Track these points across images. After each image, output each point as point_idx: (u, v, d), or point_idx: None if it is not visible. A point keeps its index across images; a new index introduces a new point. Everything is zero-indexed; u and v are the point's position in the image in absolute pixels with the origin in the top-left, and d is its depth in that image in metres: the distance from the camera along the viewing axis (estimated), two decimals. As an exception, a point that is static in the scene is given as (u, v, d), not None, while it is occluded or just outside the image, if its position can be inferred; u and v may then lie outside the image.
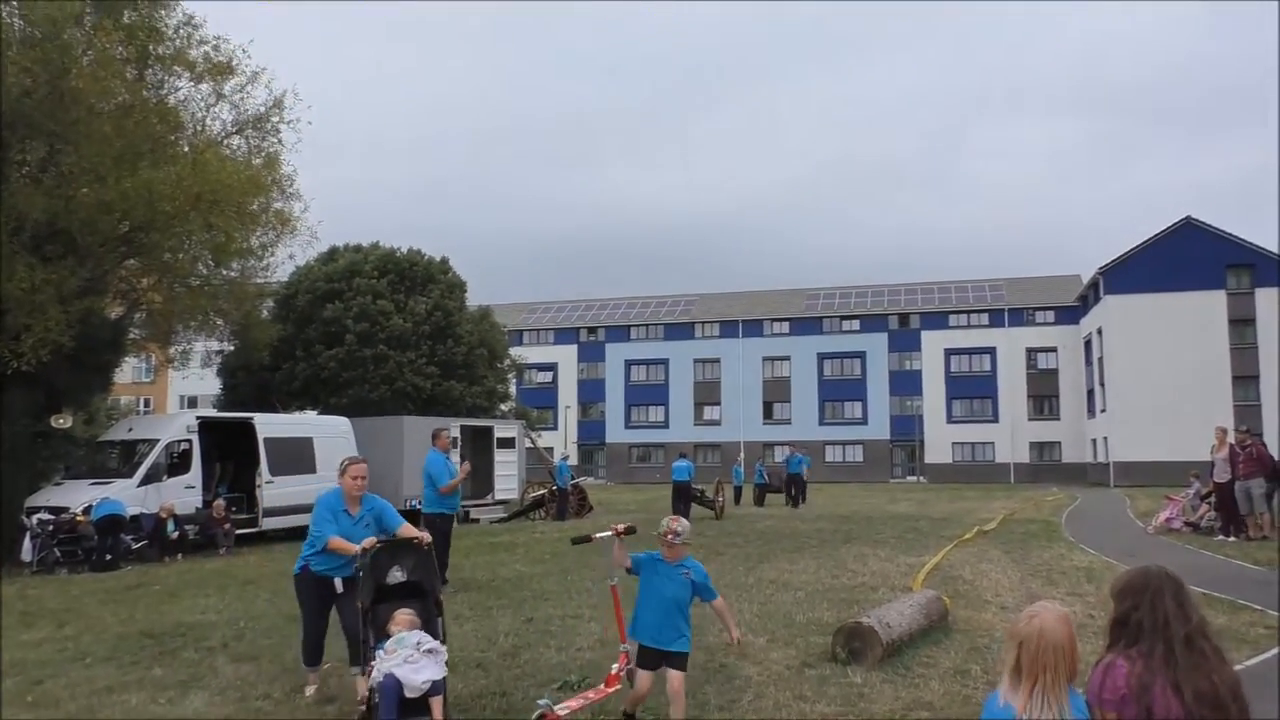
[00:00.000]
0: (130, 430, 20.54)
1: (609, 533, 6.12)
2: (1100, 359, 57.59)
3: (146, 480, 18.49)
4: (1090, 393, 61.28)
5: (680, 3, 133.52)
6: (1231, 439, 17.51)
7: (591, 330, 74.85)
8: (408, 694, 5.45)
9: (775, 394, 70.22)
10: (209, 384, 39.46)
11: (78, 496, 17.59)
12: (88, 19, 19.37)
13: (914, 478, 64.91)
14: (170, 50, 20.83)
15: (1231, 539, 16.55)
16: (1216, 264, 54.12)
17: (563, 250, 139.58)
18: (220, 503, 19.34)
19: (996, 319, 66.62)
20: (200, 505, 19.32)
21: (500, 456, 27.93)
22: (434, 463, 12.22)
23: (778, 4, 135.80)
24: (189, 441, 19.62)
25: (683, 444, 57.57)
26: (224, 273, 23.57)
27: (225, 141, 22.41)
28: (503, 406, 39.03)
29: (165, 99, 21.07)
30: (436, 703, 5.52)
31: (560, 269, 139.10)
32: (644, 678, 5.53)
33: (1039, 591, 11.15)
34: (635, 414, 72.95)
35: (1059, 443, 64.63)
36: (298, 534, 20.38)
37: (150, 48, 20.31)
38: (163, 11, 20.69)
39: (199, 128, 22.02)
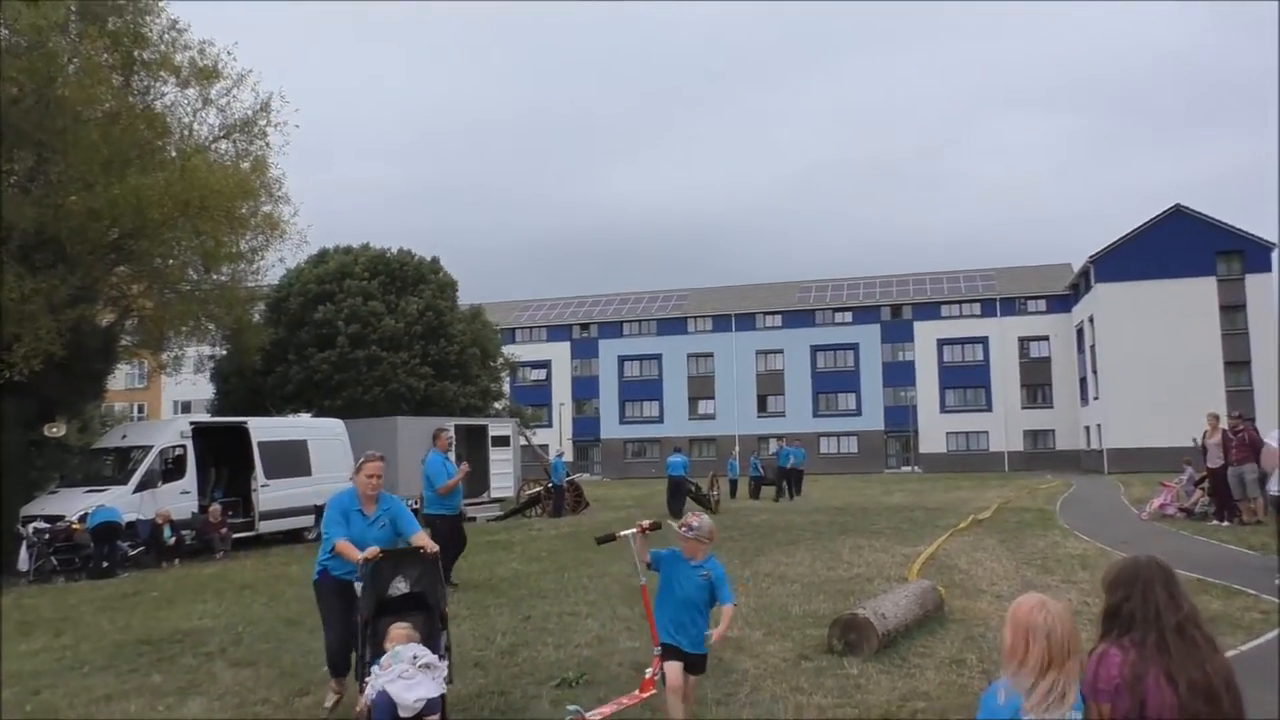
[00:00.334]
0: (124, 437, 20.49)
1: (634, 530, 5.80)
2: (1092, 347, 57.77)
3: (142, 487, 18.45)
4: (1083, 380, 61.47)
5: (674, 1, 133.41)
6: (1224, 424, 17.58)
7: (584, 327, 74.85)
8: (401, 714, 5.10)
9: (769, 387, 70.33)
10: (202, 389, 39.36)
11: (73, 504, 17.54)
12: (72, 26, 19.30)
13: (909, 468, 65.05)
14: (156, 56, 20.78)
15: (1225, 524, 16.61)
16: (1206, 251, 54.31)
17: (553, 249, 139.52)
18: (216, 507, 19.32)
19: (989, 308, 66.76)
20: (196, 510, 19.29)
21: (495, 455, 27.93)
22: (432, 464, 12.22)
23: (771, 2, 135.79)
24: (183, 447, 19.58)
25: (677, 439, 57.59)
26: (214, 278, 23.56)
27: (213, 146, 22.38)
28: (497, 405, 39.03)
29: (152, 105, 21.02)
30: None
31: (551, 268, 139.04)
32: (672, 670, 5.32)
33: (1034, 580, 11.20)
34: (630, 410, 73.00)
35: (1053, 430, 64.83)
36: (294, 538, 20.55)
37: (136, 54, 20.26)
38: (147, 17, 20.63)
39: (186, 133, 21.99)
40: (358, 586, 6.01)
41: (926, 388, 67.09)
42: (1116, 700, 2.74)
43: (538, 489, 27.12)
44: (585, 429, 73.16)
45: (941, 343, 67.15)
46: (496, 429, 28.43)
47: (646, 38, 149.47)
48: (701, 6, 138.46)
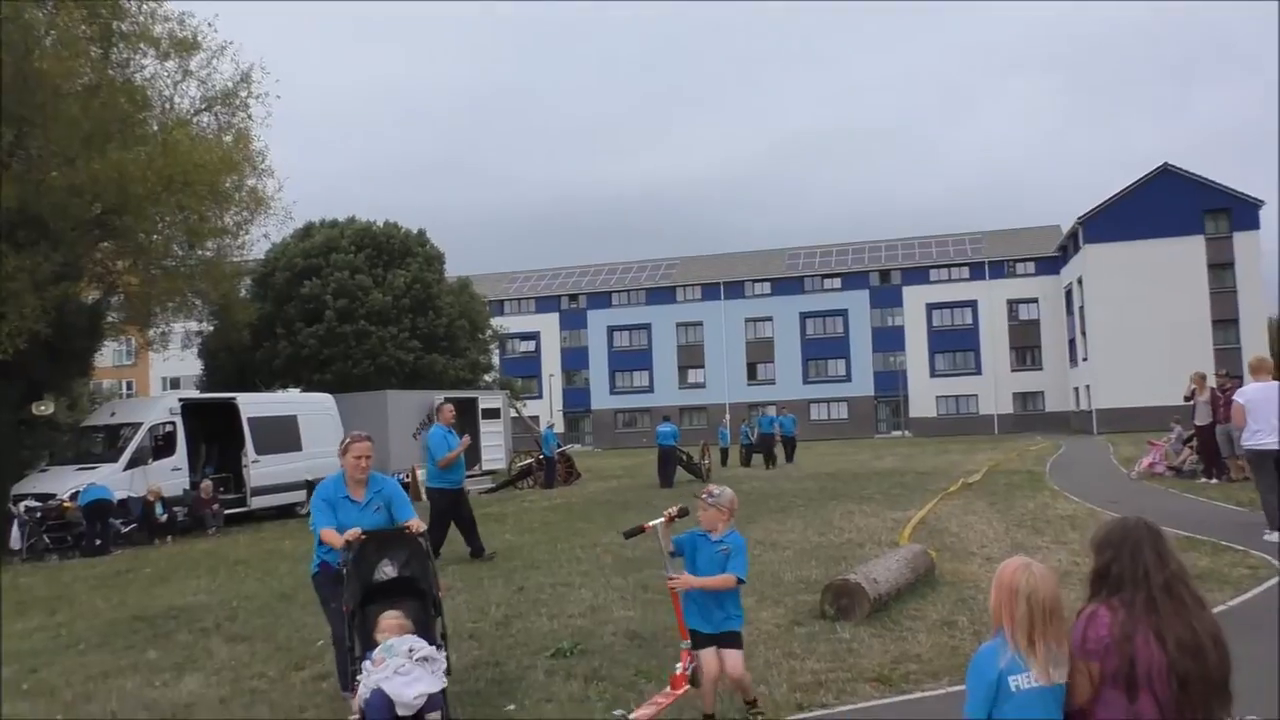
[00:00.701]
0: (113, 415, 20.42)
1: (661, 519, 5.44)
2: (1081, 308, 57.93)
3: (132, 464, 18.42)
4: (1072, 342, 61.69)
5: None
6: (1212, 382, 17.66)
7: (573, 298, 74.67)
8: (400, 711, 4.66)
9: (759, 355, 70.40)
10: (190, 365, 39.21)
11: (64, 483, 17.51)
12: (48, -2, 19.02)
13: (899, 433, 65.34)
14: (134, 27, 20.51)
15: (1214, 482, 16.72)
16: (1194, 210, 54.41)
17: (541, 221, 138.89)
18: (207, 484, 19.30)
19: (977, 272, 66.81)
20: (187, 487, 19.28)
21: (486, 427, 27.97)
22: (434, 436, 12.26)
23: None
24: (173, 424, 19.53)
25: (668, 408, 57.74)
26: (199, 253, 23.38)
27: (194, 119, 22.14)
28: (486, 377, 39.01)
29: (131, 78, 20.78)
30: None
31: (539, 240, 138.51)
32: (706, 659, 5.07)
33: (1024, 542, 11.27)
34: (620, 380, 73.03)
35: (1042, 392, 65.13)
36: (286, 513, 20.56)
37: (114, 25, 19.98)
38: (124, -13, 20.34)
39: (167, 106, 21.75)
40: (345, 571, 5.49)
41: (916, 352, 67.25)
42: (1105, 659, 2.76)
43: (529, 461, 27.15)
44: (575, 400, 73.20)
45: (930, 307, 67.23)
46: (487, 401, 28.45)
47: (632, 10, 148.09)
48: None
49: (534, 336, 73.59)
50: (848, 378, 68.47)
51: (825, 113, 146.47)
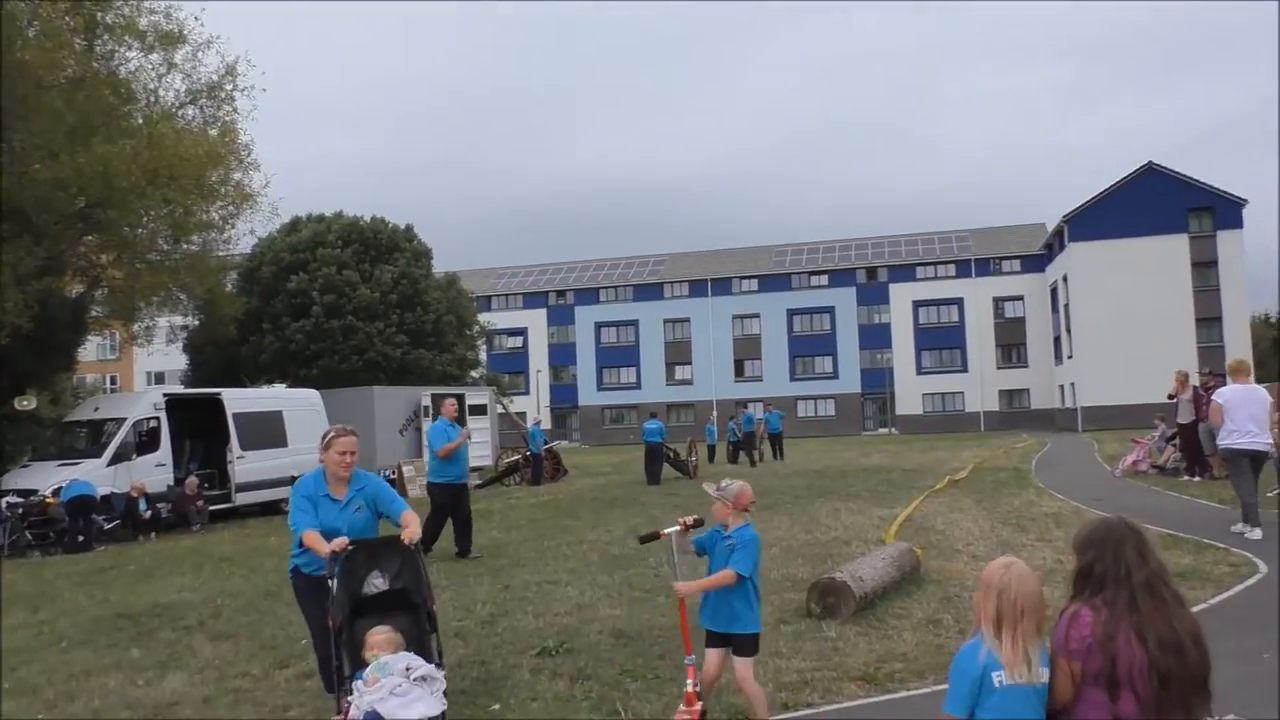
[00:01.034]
0: (96, 410, 20.27)
1: (676, 527, 5.21)
2: (1066, 306, 58.18)
3: (116, 460, 18.29)
4: (1057, 339, 61.96)
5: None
6: (1195, 381, 17.77)
7: (560, 294, 74.54)
8: None
9: (746, 351, 70.46)
10: (175, 360, 39.00)
11: (46, 478, 17.39)
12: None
13: (886, 430, 65.50)
14: (119, 19, 20.36)
15: (1196, 479, 16.83)
16: (1178, 208, 54.68)
17: (528, 218, 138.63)
18: (192, 480, 19.19)
19: (963, 269, 67.00)
20: (172, 483, 19.17)
21: (472, 423, 27.81)
22: (434, 430, 12.28)
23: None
24: (157, 419, 19.40)
25: (655, 405, 57.73)
26: (185, 247, 23.25)
27: (179, 112, 22.01)
28: (473, 373, 38.92)
29: (116, 70, 20.64)
30: None
31: (526, 237, 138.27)
32: (709, 658, 4.96)
33: (1009, 539, 11.32)
34: (607, 376, 72.98)
35: (1028, 390, 65.40)
36: (272, 509, 20.47)
37: (98, 16, 19.84)
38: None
39: (152, 99, 21.61)
40: (333, 584, 5.07)
41: (903, 349, 67.42)
42: (1087, 659, 2.78)
43: (516, 457, 27.11)
44: (563, 396, 73.11)
45: (917, 304, 67.41)
46: (473, 397, 28.35)
47: (619, 5, 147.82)
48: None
49: (521, 332, 73.45)
50: (834, 375, 68.59)
51: (816, 110, 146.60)
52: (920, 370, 67.16)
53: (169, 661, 7.39)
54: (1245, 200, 54.91)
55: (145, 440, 19.15)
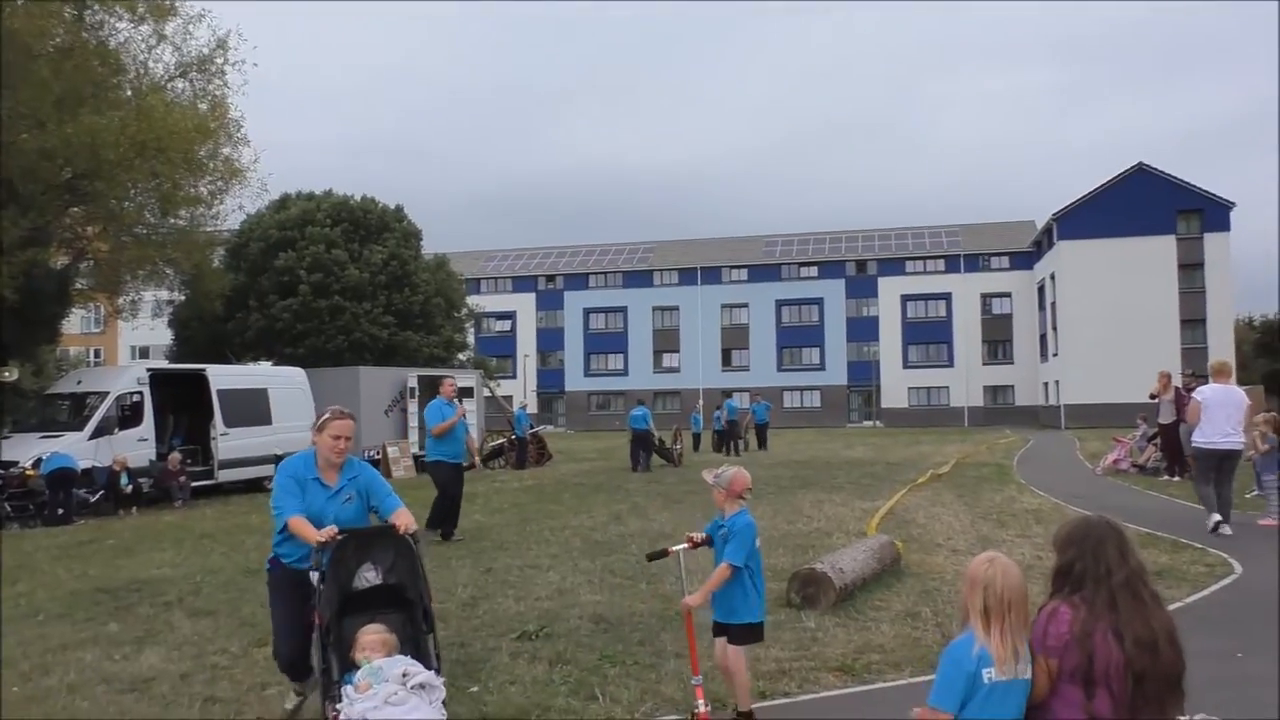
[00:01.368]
0: (79, 383, 20.14)
1: (684, 545, 5.06)
2: (1053, 304, 58.43)
3: (97, 433, 18.18)
4: (1043, 337, 62.23)
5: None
6: (1178, 381, 17.89)
7: (550, 279, 74.40)
8: None
9: (734, 341, 70.53)
10: (161, 334, 38.76)
11: (27, 450, 17.27)
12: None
13: (871, 423, 65.73)
14: (109, -11, 20.15)
15: (1176, 479, 16.95)
16: (1167, 210, 54.94)
17: (519, 203, 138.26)
18: (175, 455, 19.10)
19: (952, 265, 67.17)
20: (154, 458, 19.06)
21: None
22: (431, 408, 12.18)
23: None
24: (140, 394, 19.28)
25: (642, 392, 57.70)
26: (172, 221, 23.09)
27: (169, 85, 21.82)
28: (461, 356, 38.80)
29: (105, 41, 20.43)
30: None
31: (517, 221, 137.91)
32: (715, 645, 5.00)
33: (990, 534, 11.39)
34: (594, 362, 72.95)
35: (1012, 386, 65.70)
36: (255, 486, 20.39)
37: (88, -14, 19.64)
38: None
39: (141, 70, 21.42)
40: (315, 578, 4.56)
41: (889, 343, 67.60)
42: (1065, 656, 2.79)
43: (501, 440, 27.10)
44: (550, 381, 73.06)
45: (905, 298, 67.57)
46: (460, 380, 28.22)
47: (632, 11, 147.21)
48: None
49: (510, 316, 73.31)
50: (821, 366, 68.75)
51: (809, 105, 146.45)
52: (906, 364, 67.36)
53: (147, 637, 7.36)
54: (1233, 203, 55.25)
55: (128, 415, 19.04)
